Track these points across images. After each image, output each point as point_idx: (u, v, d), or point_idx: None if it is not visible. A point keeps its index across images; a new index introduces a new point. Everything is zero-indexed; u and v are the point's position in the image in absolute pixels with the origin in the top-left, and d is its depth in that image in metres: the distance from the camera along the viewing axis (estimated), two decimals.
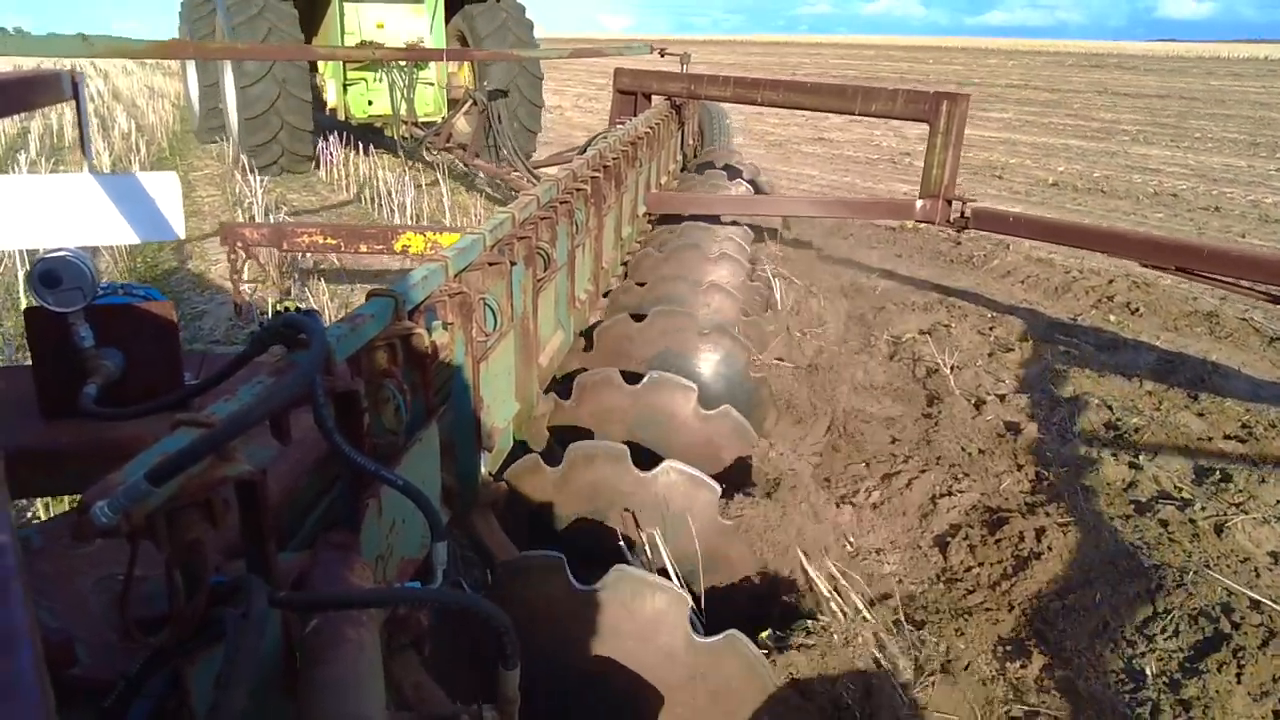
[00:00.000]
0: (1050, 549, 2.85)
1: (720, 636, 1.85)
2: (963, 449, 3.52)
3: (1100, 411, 3.91)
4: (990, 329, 5.01)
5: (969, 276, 6.29)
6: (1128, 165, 12.06)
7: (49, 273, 1.43)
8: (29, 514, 2.99)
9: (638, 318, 3.40)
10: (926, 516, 3.10)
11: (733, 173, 6.40)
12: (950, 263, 6.67)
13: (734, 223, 5.43)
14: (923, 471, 3.31)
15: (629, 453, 2.36)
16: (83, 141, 1.89)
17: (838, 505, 3.10)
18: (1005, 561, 2.85)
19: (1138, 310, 5.55)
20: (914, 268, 6.40)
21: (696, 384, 2.86)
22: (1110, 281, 6.01)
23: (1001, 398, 4.04)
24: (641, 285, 3.97)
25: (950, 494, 3.20)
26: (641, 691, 1.89)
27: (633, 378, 2.82)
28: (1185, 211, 9.10)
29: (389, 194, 8.51)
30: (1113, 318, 5.45)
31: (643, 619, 1.86)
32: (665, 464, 2.35)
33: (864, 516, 3.09)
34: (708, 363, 3.41)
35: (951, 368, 4.22)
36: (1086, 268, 6.33)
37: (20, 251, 5.53)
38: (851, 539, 2.92)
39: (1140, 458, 3.50)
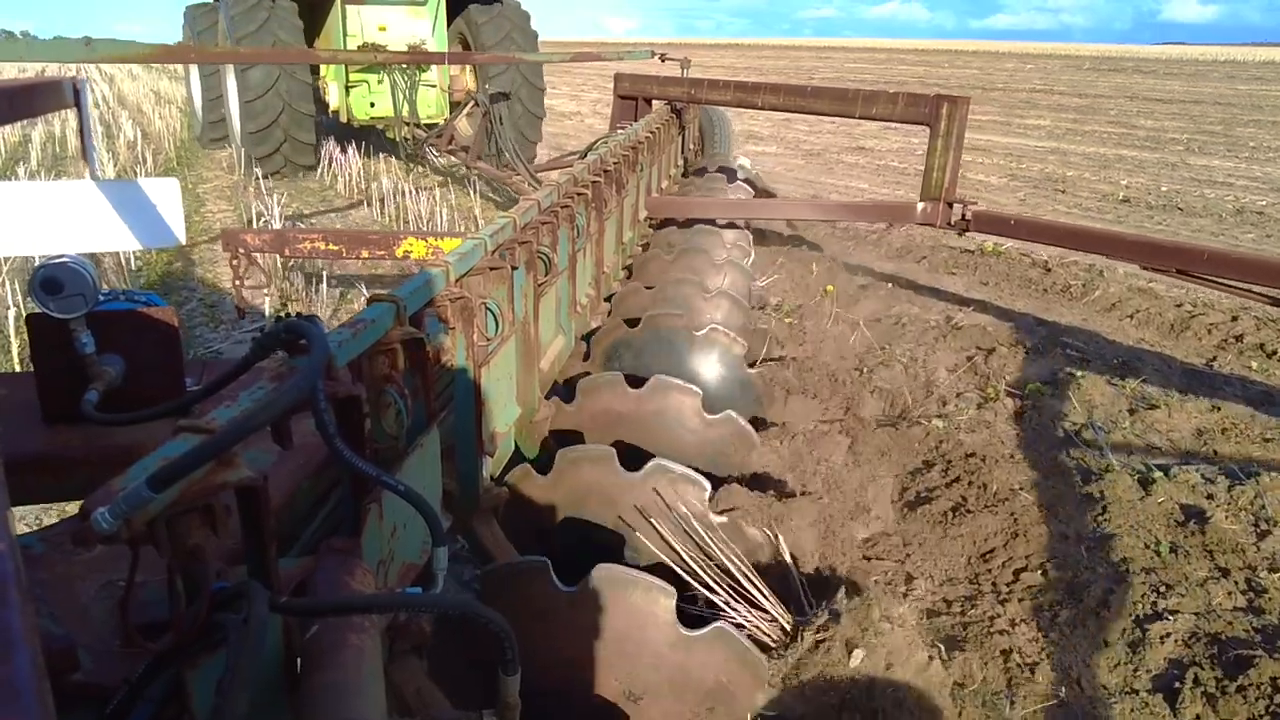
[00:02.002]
0: None
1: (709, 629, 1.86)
2: (1148, 546, 2.93)
3: None
4: (1120, 378, 4.36)
5: (1071, 310, 5.70)
6: (1193, 178, 11.49)
7: (50, 279, 1.44)
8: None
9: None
10: (1136, 649, 2.48)
11: (733, 176, 6.41)
12: (1044, 293, 6.09)
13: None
14: (1118, 583, 2.72)
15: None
16: (85, 149, 1.89)
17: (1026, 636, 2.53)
18: None
19: (1275, 353, 4.89)
20: (1008, 299, 5.85)
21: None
22: (1234, 319, 5.33)
23: (1165, 470, 3.41)
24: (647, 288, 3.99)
25: (1159, 615, 2.57)
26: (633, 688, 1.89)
27: None
28: (1279, 232, 8.42)
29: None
30: (1254, 364, 4.78)
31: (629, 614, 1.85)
32: None
33: (1058, 649, 2.51)
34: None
35: (1104, 433, 3.61)
36: (1198, 300, 5.70)
37: (11, 286, 5.40)
38: (1061, 693, 2.35)
39: None
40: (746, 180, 6.54)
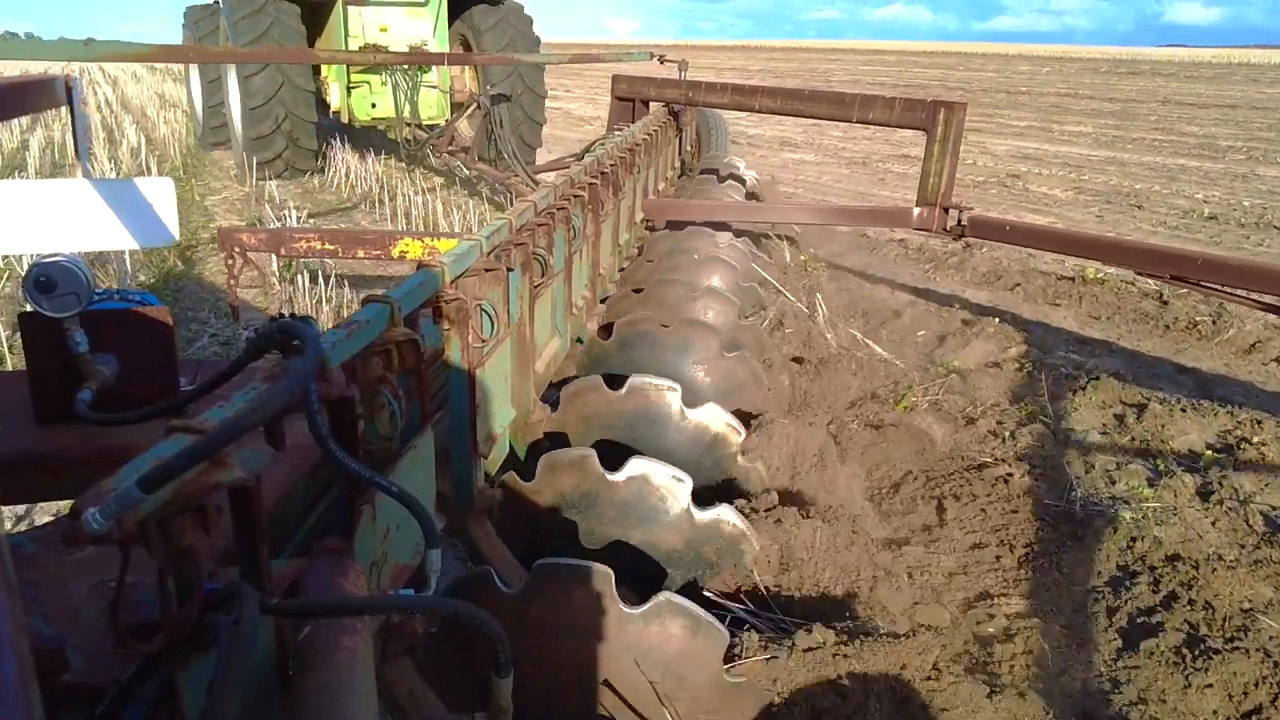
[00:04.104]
0: None
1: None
2: None
3: None
4: None
5: (1207, 354, 5.04)
6: (1271, 191, 10.78)
7: (44, 278, 1.44)
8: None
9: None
10: None
11: (731, 179, 6.41)
12: (1167, 330, 5.41)
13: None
14: None
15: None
16: (77, 147, 1.89)
17: None
18: None
19: None
20: (1131, 339, 5.26)
21: None
22: None
23: None
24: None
25: None
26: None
27: None
28: None
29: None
30: None
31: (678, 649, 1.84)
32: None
33: None
34: None
35: None
36: None
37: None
38: None
39: None
40: (752, 193, 6.55)
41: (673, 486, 2.26)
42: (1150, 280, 5.71)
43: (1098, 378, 4.38)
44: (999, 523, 3.15)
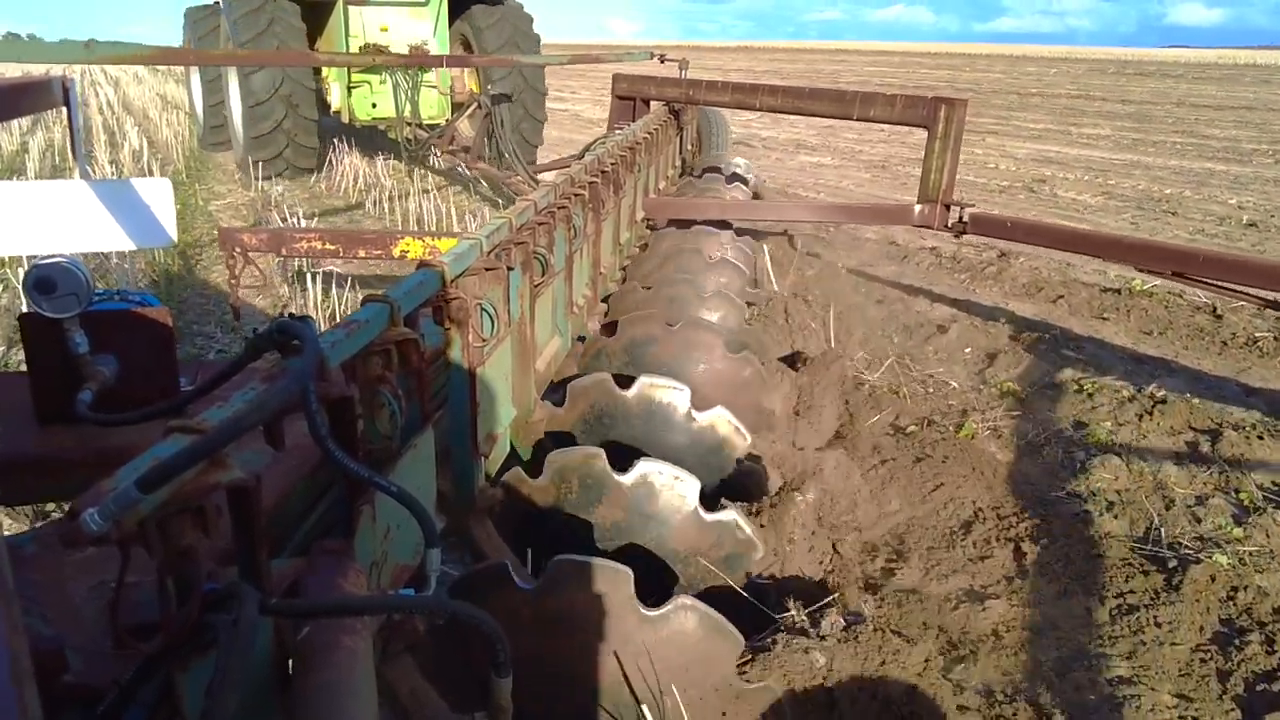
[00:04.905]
0: None
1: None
2: None
3: None
4: None
5: (1274, 373, 4.72)
6: None
7: (44, 279, 1.44)
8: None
9: None
10: None
11: (732, 178, 6.41)
12: (1224, 347, 5.09)
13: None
14: None
15: None
16: (73, 147, 1.89)
17: None
18: None
19: None
20: (1191, 358, 4.95)
21: None
22: None
23: None
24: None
25: None
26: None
27: None
28: None
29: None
30: None
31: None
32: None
33: None
34: None
35: None
36: None
37: None
38: None
39: None
40: (742, 181, 6.55)
41: (594, 460, 2.32)
42: (1200, 292, 5.36)
43: (1163, 400, 4.11)
44: (1083, 568, 2.91)
